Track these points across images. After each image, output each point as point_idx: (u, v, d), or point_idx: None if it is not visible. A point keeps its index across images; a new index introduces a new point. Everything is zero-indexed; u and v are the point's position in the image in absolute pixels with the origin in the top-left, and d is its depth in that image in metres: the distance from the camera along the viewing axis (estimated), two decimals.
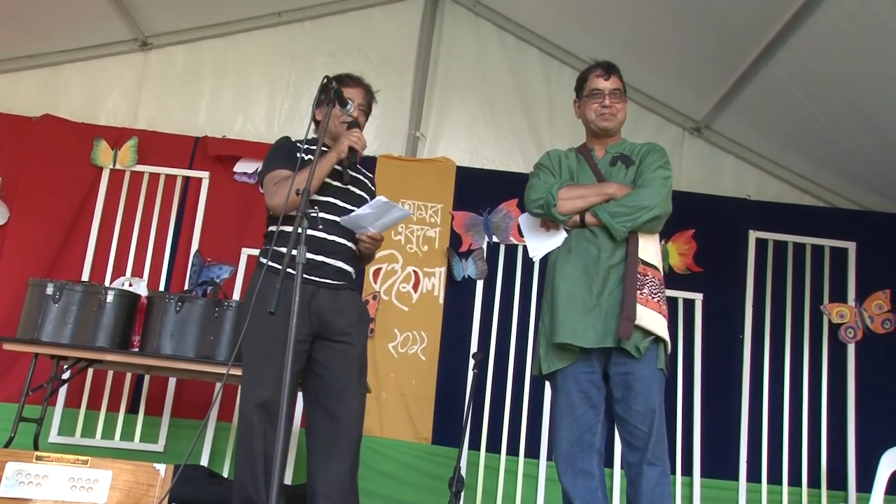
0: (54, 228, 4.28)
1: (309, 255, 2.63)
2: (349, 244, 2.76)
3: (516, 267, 4.41)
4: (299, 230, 2.23)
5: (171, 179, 4.45)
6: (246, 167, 4.44)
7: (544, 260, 2.78)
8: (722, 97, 4.24)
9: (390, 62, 4.63)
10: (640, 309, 2.49)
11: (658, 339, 2.56)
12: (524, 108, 4.72)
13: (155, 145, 4.45)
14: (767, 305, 4.37)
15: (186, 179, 4.46)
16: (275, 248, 2.66)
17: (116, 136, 4.43)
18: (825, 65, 3.65)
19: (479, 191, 4.47)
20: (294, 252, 2.21)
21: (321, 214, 2.64)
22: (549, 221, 2.71)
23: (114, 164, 4.39)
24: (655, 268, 2.60)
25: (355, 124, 2.76)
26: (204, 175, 4.43)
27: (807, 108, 3.97)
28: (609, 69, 2.76)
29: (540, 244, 2.76)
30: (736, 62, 3.92)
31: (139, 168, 4.42)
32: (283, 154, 2.77)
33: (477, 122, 4.73)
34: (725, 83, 4.12)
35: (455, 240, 4.41)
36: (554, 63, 4.74)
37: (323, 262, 2.69)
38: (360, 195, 2.82)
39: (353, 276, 2.83)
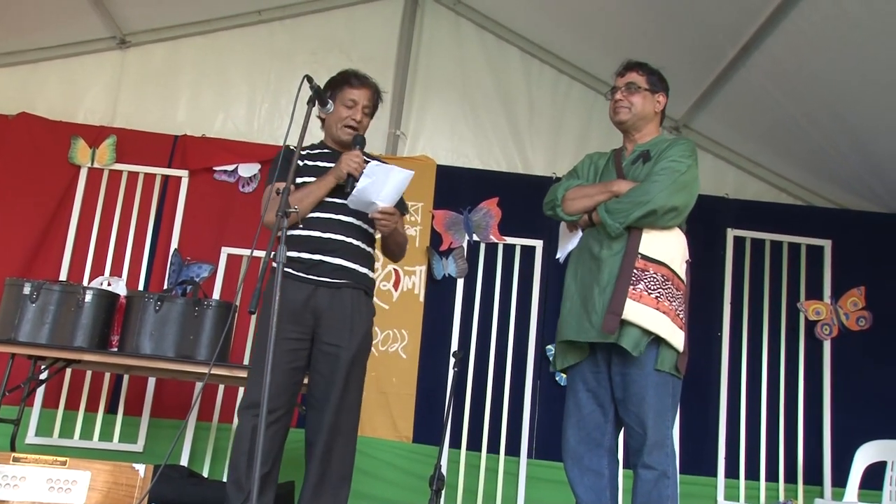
0: (31, 227, 4.24)
1: (306, 255, 2.68)
2: (352, 241, 2.73)
3: (496, 265, 4.43)
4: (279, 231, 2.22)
5: (149, 178, 4.42)
6: (226, 165, 4.43)
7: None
8: (700, 97, 4.27)
9: (371, 61, 4.58)
10: (630, 304, 2.42)
11: (659, 339, 2.46)
12: (504, 106, 4.73)
13: (134, 144, 4.42)
14: (745, 303, 4.41)
15: (165, 178, 4.43)
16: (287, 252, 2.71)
17: (94, 135, 4.39)
18: (801, 65, 3.69)
19: (460, 189, 4.49)
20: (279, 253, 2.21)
21: (317, 214, 2.67)
22: (570, 224, 2.73)
23: (92, 163, 4.36)
24: (661, 263, 2.49)
25: (359, 140, 2.77)
26: (183, 174, 4.41)
27: (784, 107, 4.02)
28: (627, 66, 2.74)
29: (563, 245, 2.83)
30: (714, 62, 3.96)
31: (117, 167, 4.39)
32: (281, 165, 2.64)
33: (457, 121, 4.74)
34: (703, 83, 4.15)
35: (435, 238, 4.42)
36: (534, 62, 4.76)
37: (321, 260, 2.69)
38: None
39: (361, 273, 2.76)
